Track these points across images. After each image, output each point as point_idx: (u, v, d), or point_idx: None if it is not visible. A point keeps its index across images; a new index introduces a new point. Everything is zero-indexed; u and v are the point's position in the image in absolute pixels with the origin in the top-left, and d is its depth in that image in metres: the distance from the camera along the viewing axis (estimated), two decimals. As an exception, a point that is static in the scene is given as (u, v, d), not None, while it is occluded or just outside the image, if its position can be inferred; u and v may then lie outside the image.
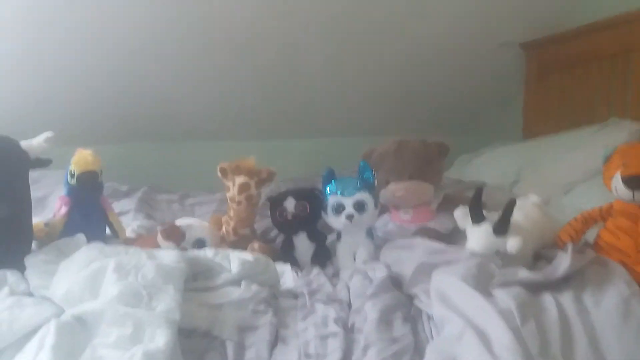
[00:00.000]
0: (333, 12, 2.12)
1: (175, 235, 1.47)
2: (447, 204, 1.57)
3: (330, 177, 1.49)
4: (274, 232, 1.74)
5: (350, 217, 1.42)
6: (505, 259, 1.22)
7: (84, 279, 1.06)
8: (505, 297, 1.00)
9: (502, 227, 1.21)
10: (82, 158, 1.48)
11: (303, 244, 1.52)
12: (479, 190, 1.27)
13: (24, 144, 1.28)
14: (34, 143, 1.29)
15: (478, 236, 1.23)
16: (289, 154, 2.50)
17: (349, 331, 1.06)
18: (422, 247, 1.28)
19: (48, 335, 0.92)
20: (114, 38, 2.08)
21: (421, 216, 1.54)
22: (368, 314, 1.06)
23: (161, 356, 0.88)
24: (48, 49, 2.05)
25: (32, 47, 2.02)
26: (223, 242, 1.60)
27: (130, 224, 1.79)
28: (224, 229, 1.62)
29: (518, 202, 1.26)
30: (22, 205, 1.35)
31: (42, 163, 1.31)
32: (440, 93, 2.51)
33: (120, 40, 2.10)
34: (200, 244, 1.50)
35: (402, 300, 1.13)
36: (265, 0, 2.08)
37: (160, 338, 0.92)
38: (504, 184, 2.00)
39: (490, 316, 0.93)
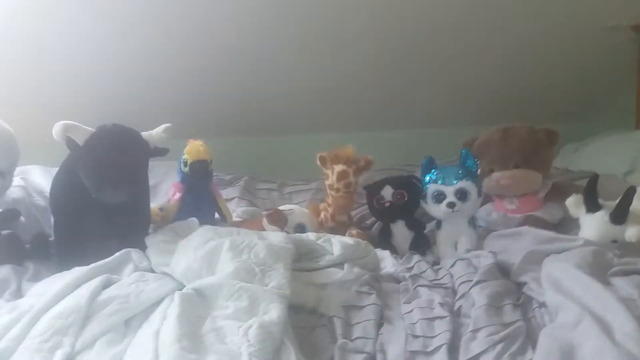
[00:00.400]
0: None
1: (280, 220, 1.53)
2: (556, 193, 1.51)
3: (430, 165, 1.48)
4: (370, 220, 1.76)
5: (451, 206, 1.40)
6: (622, 248, 1.16)
7: (201, 257, 1.14)
8: (626, 285, 0.95)
9: (620, 216, 1.15)
10: (194, 148, 1.59)
11: (401, 232, 1.52)
12: (594, 178, 1.22)
13: (144, 134, 1.38)
14: (154, 133, 1.39)
15: (593, 224, 1.17)
16: (382, 145, 2.49)
17: (455, 315, 1.05)
18: (531, 236, 1.24)
19: (172, 306, 0.99)
20: (217, 36, 2.18)
21: (528, 206, 1.49)
22: (476, 299, 1.04)
23: (275, 328, 0.93)
24: (158, 48, 2.19)
25: (145, 47, 2.17)
26: (321, 228, 1.64)
27: (235, 210, 1.88)
28: (322, 215, 1.66)
29: (638, 190, 1.19)
30: (142, 191, 1.46)
31: (160, 152, 1.41)
32: (545, 79, 2.39)
33: (223, 38, 2.20)
34: (301, 228, 1.55)
35: (510, 288, 1.10)
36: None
37: (273, 311, 0.96)
38: (616, 173, 1.87)
39: (610, 304, 0.88)
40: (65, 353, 0.94)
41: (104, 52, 2.13)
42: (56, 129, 1.27)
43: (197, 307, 1.00)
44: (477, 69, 2.36)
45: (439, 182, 1.43)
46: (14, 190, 1.72)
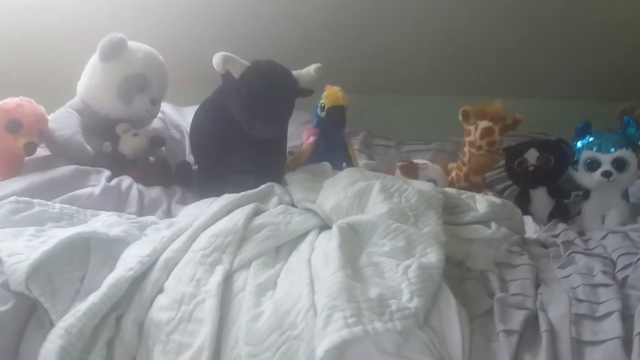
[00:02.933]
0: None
1: (413, 172, 1.50)
2: None
3: (585, 130, 1.39)
4: (502, 185, 1.69)
5: (607, 175, 1.31)
6: None
7: (352, 195, 1.13)
8: None
9: None
10: (333, 93, 1.58)
11: (541, 199, 1.45)
12: None
13: (295, 73, 1.39)
14: (304, 73, 1.39)
15: None
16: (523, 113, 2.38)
17: (620, 285, 0.98)
18: None
19: (331, 236, 1.00)
20: None
21: (691, 184, 1.36)
22: (647, 271, 0.97)
23: (436, 272, 0.91)
24: None
25: None
26: (452, 186, 1.59)
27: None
28: (453, 174, 1.61)
29: None
30: (284, 131, 1.49)
31: (307, 93, 1.41)
32: None
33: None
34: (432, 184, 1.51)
35: (683, 265, 1.01)
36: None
37: (432, 255, 0.94)
38: None
39: None
40: (225, 269, 0.98)
41: None
42: (217, 59, 1.30)
43: (353, 241, 1.00)
44: (624, 40, 2.15)
45: (594, 148, 1.34)
46: (155, 121, 1.81)
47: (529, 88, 2.47)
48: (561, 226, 1.30)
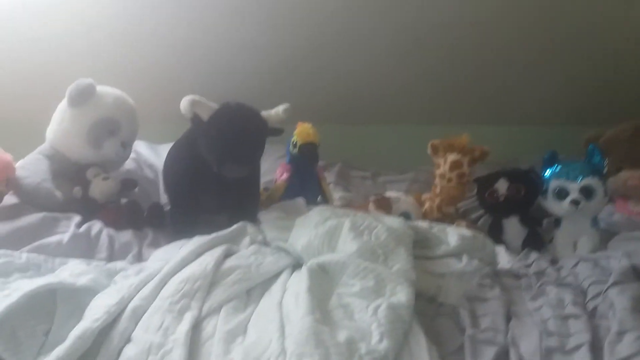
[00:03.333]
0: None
1: (386, 206, 1.51)
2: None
3: (552, 159, 1.41)
4: (475, 214, 1.70)
5: (576, 203, 1.33)
6: None
7: (322, 234, 1.14)
8: None
9: None
10: (304, 130, 1.60)
11: (514, 228, 1.45)
12: None
13: (263, 113, 1.40)
14: (273, 113, 1.40)
15: None
16: (483, 141, 2.42)
17: (590, 316, 0.98)
18: (669, 239, 1.15)
19: (301, 278, 1.00)
20: (315, 23, 2.18)
21: (657, 208, 1.38)
22: (615, 301, 0.97)
23: (405, 311, 0.91)
24: (262, 35, 2.22)
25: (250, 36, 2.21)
26: (425, 218, 1.60)
27: (333, 195, 1.87)
28: (427, 205, 1.62)
29: None
30: (256, 169, 1.49)
31: (276, 132, 1.42)
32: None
33: (320, 25, 2.19)
34: (405, 217, 1.52)
35: (650, 292, 1.02)
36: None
37: (401, 294, 0.94)
38: None
39: None
40: (193, 316, 0.97)
41: (206, 33, 2.18)
42: (184, 104, 1.30)
43: (323, 283, 1.00)
44: (594, 62, 2.21)
45: (563, 177, 1.36)
46: (128, 162, 1.80)
47: (501, 115, 2.52)
48: (533, 255, 1.31)
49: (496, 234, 1.47)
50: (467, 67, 2.34)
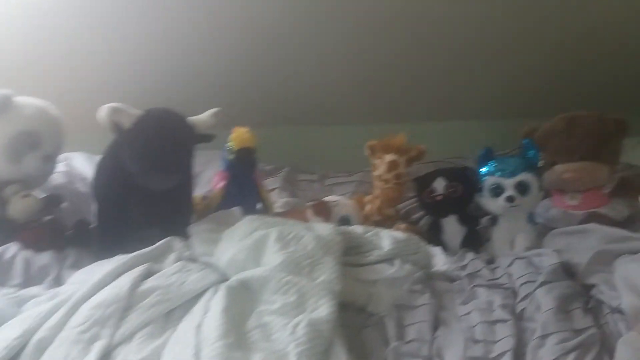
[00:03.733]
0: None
1: (324, 211, 1.47)
2: (622, 189, 1.40)
3: (488, 156, 1.39)
4: (417, 215, 1.67)
5: (510, 200, 1.31)
6: None
7: (247, 247, 1.08)
8: None
9: None
10: (240, 135, 1.54)
11: (452, 228, 1.43)
12: (675, 171, 1.10)
13: (191, 119, 1.34)
14: (201, 118, 1.34)
15: (674, 223, 1.06)
16: (430, 137, 2.41)
17: (517, 318, 0.96)
18: (599, 234, 1.14)
19: (217, 299, 0.94)
20: (260, 22, 2.13)
21: (591, 202, 1.38)
22: (542, 302, 0.95)
23: (326, 326, 0.86)
24: (200, 35, 2.16)
25: (187, 34, 2.14)
26: (366, 221, 1.57)
27: (277, 201, 1.83)
28: (367, 208, 1.59)
29: None
30: (187, 178, 1.42)
31: (206, 138, 1.36)
32: (608, 67, 2.24)
33: (266, 25, 2.14)
34: (345, 221, 1.49)
35: (578, 290, 1.01)
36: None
37: (323, 308, 0.90)
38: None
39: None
40: (103, 345, 0.90)
41: (145, 37, 2.11)
42: (102, 112, 1.23)
43: (243, 301, 0.95)
44: (533, 57, 2.23)
45: (498, 174, 1.34)
46: (57, 177, 1.71)
47: (450, 109, 2.52)
48: (470, 255, 1.29)
49: (435, 235, 1.45)
50: (412, 66, 2.33)
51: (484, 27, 2.13)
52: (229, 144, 1.55)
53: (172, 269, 1.11)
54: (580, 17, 2.06)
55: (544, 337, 0.87)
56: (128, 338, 0.93)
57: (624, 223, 1.37)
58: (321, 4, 2.10)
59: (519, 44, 2.18)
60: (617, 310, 0.93)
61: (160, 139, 1.24)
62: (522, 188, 1.31)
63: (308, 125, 2.59)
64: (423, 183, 1.46)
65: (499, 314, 0.96)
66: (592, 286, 1.03)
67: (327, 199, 1.54)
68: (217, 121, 1.37)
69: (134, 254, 1.16)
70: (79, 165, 1.94)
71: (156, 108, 1.30)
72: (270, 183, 2.09)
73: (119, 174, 1.33)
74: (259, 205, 1.67)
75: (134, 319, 0.96)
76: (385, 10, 2.12)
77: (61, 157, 1.94)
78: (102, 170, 1.42)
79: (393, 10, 2.10)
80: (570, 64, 2.23)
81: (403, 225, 1.46)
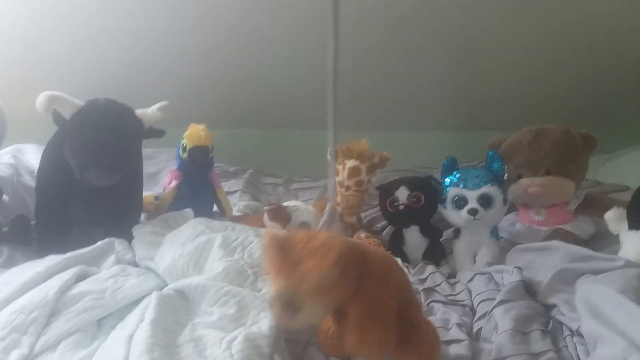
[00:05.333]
0: None
1: (282, 217, 1.40)
2: (588, 206, 1.37)
3: (452, 166, 1.34)
4: (380, 224, 1.62)
5: (473, 213, 1.26)
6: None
7: (189, 253, 1.01)
8: (682, 319, 0.80)
9: (670, 235, 1.00)
10: (194, 132, 1.46)
11: (414, 239, 1.38)
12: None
13: (139, 112, 1.26)
14: (149, 112, 1.26)
15: (637, 243, 1.02)
16: (397, 146, 2.37)
17: (474, 338, 0.91)
18: (563, 251, 1.10)
19: (149, 308, 0.86)
20: (227, 22, 2.06)
21: (557, 217, 1.34)
22: (499, 322, 0.90)
23: (264, 342, 0.79)
24: (164, 32, 2.08)
25: (150, 30, 2.06)
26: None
27: (237, 204, 1.76)
28: (330, 215, 1.53)
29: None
30: (134, 175, 1.34)
31: (155, 133, 1.28)
32: (568, 83, 2.24)
33: (233, 25, 2.08)
34: (305, 227, 1.42)
35: (537, 310, 0.96)
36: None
37: (264, 322, 0.83)
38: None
39: (665, 340, 0.74)
40: (22, 354, 0.82)
41: (108, 30, 2.02)
42: (40, 100, 1.14)
43: (177, 312, 0.87)
44: (501, 71, 2.21)
45: (461, 185, 1.29)
46: (1, 169, 1.61)
47: (417, 120, 2.48)
48: (430, 268, 1.24)
49: (397, 245, 1.39)
50: (378, 74, 2.29)
51: (451, 36, 2.10)
52: (183, 141, 1.48)
53: (109, 273, 1.03)
54: (548, 19, 2.03)
55: (499, 360, 0.81)
56: (51, 347, 0.84)
57: (589, 241, 1.34)
58: (289, 7, 2.04)
59: (489, 55, 2.15)
60: (577, 333, 0.89)
61: (102, 132, 1.16)
62: (485, 201, 1.26)
63: (276, 128, 2.54)
64: (386, 191, 1.41)
65: (455, 332, 0.91)
66: (553, 306, 0.98)
67: (286, 203, 1.47)
68: (165, 115, 1.30)
69: (69, 254, 1.07)
70: (29, 157, 1.83)
71: (100, 99, 1.22)
72: (232, 185, 2.02)
73: (61, 167, 1.24)
74: (215, 209, 1.60)
75: (59, 326, 0.87)
76: (349, 16, 2.07)
77: (11, 148, 1.85)
78: (45, 162, 1.33)
79: (356, 17, 2.06)
80: (533, 72, 2.22)
81: (364, 235, 1.40)
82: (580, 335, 0.88)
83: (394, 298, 0.77)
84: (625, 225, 1.08)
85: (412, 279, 1.19)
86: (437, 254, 1.37)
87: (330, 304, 0.76)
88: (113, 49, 2.10)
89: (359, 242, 0.83)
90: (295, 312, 0.71)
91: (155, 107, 1.26)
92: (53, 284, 0.94)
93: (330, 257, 0.67)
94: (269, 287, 0.82)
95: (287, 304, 0.71)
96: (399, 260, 1.28)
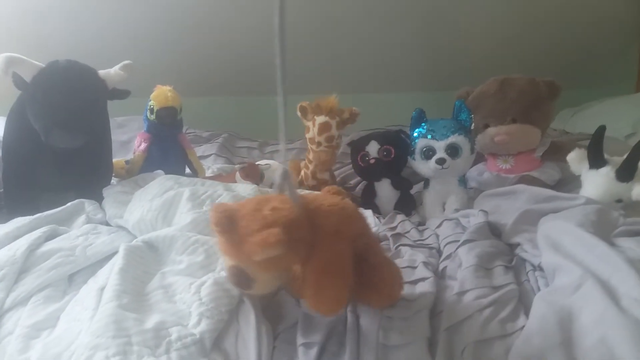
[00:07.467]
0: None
1: (254, 175, 1.40)
2: (554, 153, 1.40)
3: (420, 118, 1.35)
4: (354, 180, 1.64)
5: (441, 162, 1.28)
6: (628, 208, 1.05)
7: (157, 207, 1.01)
8: (635, 247, 0.83)
9: (627, 173, 1.03)
10: (161, 93, 1.44)
11: (386, 191, 1.40)
12: (600, 130, 1.09)
13: (101, 72, 1.24)
14: (112, 72, 1.24)
15: (597, 181, 1.06)
16: (371, 107, 2.38)
17: (439, 276, 0.94)
18: (527, 194, 1.12)
19: (117, 258, 0.87)
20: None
21: (523, 165, 1.37)
22: (463, 259, 0.93)
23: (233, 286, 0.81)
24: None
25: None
26: (301, 186, 1.52)
27: (211, 167, 1.76)
28: (302, 173, 1.54)
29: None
30: (101, 137, 1.32)
31: (120, 94, 1.27)
32: (540, 42, 2.25)
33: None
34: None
35: (501, 249, 0.99)
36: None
37: (232, 267, 0.84)
38: (618, 136, 1.76)
39: (617, 265, 0.77)
40: (-9, 310, 0.82)
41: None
42: None
43: (146, 262, 0.88)
44: (471, 29, 2.21)
45: (429, 136, 1.31)
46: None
47: (387, 81, 2.49)
48: (400, 217, 1.26)
49: (369, 198, 1.41)
50: (350, 38, 2.28)
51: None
52: (150, 102, 1.46)
53: (79, 232, 1.04)
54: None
55: (461, 293, 0.84)
56: (22, 302, 0.85)
57: (555, 187, 1.37)
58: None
59: (465, 15, 2.16)
60: (539, 268, 0.92)
61: (64, 94, 1.14)
62: (453, 150, 1.28)
63: (249, 95, 2.53)
64: (357, 147, 1.42)
65: (421, 271, 0.93)
66: (517, 245, 1.01)
67: (259, 162, 1.47)
68: (128, 75, 1.28)
69: (37, 215, 1.07)
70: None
71: (61, 60, 1.19)
72: (205, 149, 2.02)
73: (26, 132, 1.23)
74: (188, 171, 1.60)
75: (29, 282, 0.88)
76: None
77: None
78: (9, 127, 1.31)
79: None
80: (508, 33, 2.23)
81: (333, 188, 1.40)
82: (541, 269, 0.91)
83: (349, 247, 0.78)
84: (586, 165, 1.11)
85: (382, 227, 1.21)
86: (408, 205, 1.39)
87: (282, 272, 0.78)
88: (81, 17, 2.06)
89: (314, 198, 0.82)
90: (250, 283, 0.74)
91: (117, 66, 1.24)
92: (22, 243, 0.95)
93: (275, 232, 0.67)
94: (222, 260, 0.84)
95: (240, 277, 0.73)
96: (369, 211, 1.30)
